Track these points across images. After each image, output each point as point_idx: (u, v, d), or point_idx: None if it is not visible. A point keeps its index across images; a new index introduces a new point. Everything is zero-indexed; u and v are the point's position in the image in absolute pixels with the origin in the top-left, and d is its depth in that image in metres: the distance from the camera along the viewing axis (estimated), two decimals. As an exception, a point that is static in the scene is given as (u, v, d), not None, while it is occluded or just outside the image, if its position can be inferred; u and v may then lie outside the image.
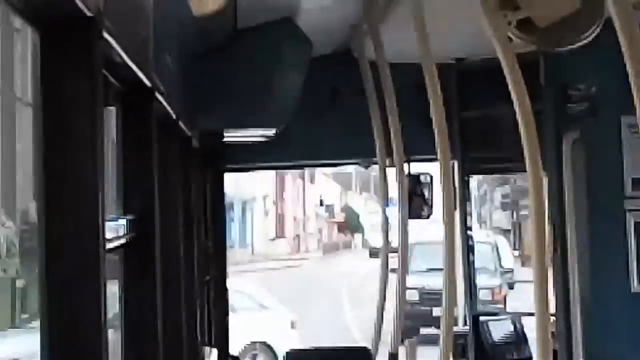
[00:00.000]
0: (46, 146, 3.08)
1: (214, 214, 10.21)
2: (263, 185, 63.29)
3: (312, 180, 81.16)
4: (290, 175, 70.19)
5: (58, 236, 3.07)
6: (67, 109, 3.09)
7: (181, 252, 6.26)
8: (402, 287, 8.65)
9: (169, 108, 5.62)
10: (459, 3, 5.64)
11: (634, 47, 4.19)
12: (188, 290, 6.92)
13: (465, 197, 10.82)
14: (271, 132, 8.89)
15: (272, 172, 54.60)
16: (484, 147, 10.47)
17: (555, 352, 6.71)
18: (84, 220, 3.10)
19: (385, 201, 10.00)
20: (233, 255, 58.99)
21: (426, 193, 9.81)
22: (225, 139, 9.43)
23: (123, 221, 4.39)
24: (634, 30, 4.26)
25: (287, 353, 9.10)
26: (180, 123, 6.49)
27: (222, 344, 9.81)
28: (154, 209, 4.74)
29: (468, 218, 10.78)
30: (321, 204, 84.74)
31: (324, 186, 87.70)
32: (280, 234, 66.44)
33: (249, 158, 10.39)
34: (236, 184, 57.45)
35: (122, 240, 4.33)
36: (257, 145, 9.51)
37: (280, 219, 67.58)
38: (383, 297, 9.31)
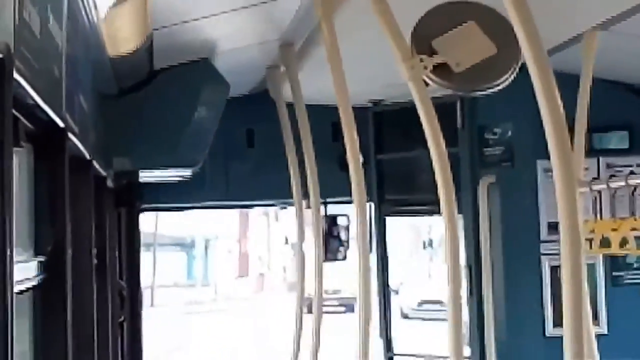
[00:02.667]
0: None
1: (129, 254, 10.16)
2: (226, 224, 63.11)
3: (276, 218, 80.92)
4: (253, 213, 69.97)
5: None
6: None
7: (94, 293, 6.21)
8: (317, 329, 8.63)
9: (82, 148, 5.58)
10: (375, 47, 5.65)
11: (548, 93, 4.22)
12: (101, 332, 6.86)
13: (382, 238, 10.84)
14: (187, 172, 8.87)
15: (236, 211, 54.26)
16: (400, 189, 10.52)
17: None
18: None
19: (301, 243, 9.99)
20: (196, 294, 59.15)
21: (343, 235, 9.82)
22: (141, 179, 9.40)
23: (33, 263, 4.35)
24: (548, 75, 4.29)
25: None
26: (94, 163, 6.45)
27: None
28: (65, 249, 4.70)
29: (384, 260, 10.81)
30: (286, 242, 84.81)
31: (289, 224, 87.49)
32: (243, 272, 66.24)
33: (165, 198, 10.37)
34: (198, 222, 57.48)
35: (33, 282, 4.29)
36: (174, 185, 9.49)
37: (243, 258, 67.34)
38: (298, 343, 9.28)
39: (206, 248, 63.32)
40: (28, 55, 3.53)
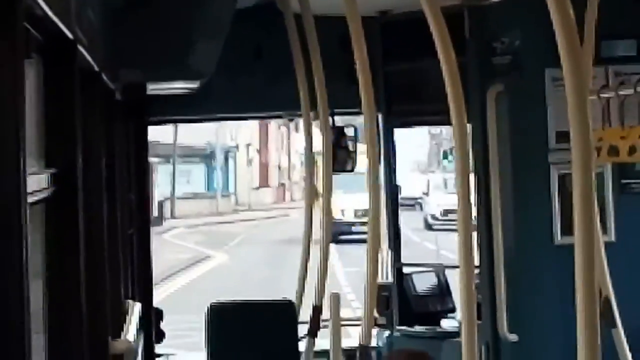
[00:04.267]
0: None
1: (138, 166, 10.19)
2: (246, 134, 63.00)
3: (296, 129, 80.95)
4: (274, 124, 69.61)
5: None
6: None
7: (104, 205, 6.25)
8: (327, 240, 8.68)
9: (91, 60, 5.59)
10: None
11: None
12: (111, 244, 6.91)
13: (390, 149, 10.86)
14: (194, 84, 8.87)
15: (256, 122, 54.04)
16: (408, 100, 10.52)
17: (478, 304, 6.75)
18: (5, 174, 3.08)
19: (309, 154, 10.03)
20: (216, 204, 59.26)
21: (350, 146, 9.83)
22: (149, 92, 9.40)
23: (45, 175, 4.37)
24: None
25: (210, 305, 9.05)
26: (103, 76, 6.47)
27: (145, 297, 9.80)
28: (76, 162, 4.72)
29: (392, 170, 10.84)
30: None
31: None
32: (264, 183, 66.18)
33: (173, 110, 10.39)
34: (217, 132, 57.43)
35: (45, 194, 4.31)
36: (182, 97, 9.49)
37: (264, 168, 67.24)
38: (307, 252, 9.33)
39: (226, 159, 63.20)
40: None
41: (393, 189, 10.89)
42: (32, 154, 4.32)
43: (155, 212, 51.18)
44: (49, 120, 4.61)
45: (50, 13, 3.84)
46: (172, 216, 53.88)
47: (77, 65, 4.87)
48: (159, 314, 10.14)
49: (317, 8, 8.31)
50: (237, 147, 63.84)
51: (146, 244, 10.20)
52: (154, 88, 9.24)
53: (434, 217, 47.65)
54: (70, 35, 4.54)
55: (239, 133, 61.51)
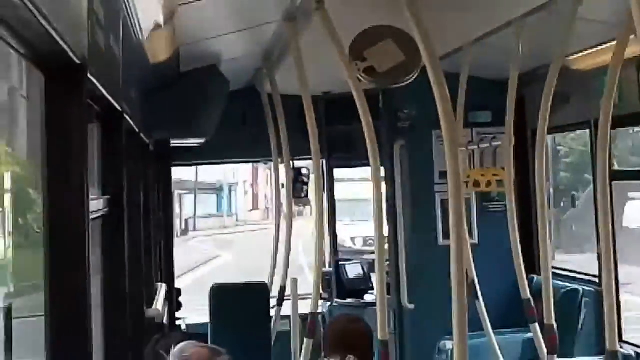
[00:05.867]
0: (50, 148, 3.07)
1: (165, 195, 10.16)
2: (243, 173, 63.41)
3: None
4: (262, 166, 69.98)
5: (58, 211, 3.05)
6: (65, 126, 3.09)
7: (142, 220, 6.22)
8: (288, 242, 8.66)
9: (133, 124, 5.57)
10: (326, 56, 5.62)
11: (439, 86, 4.22)
12: (147, 247, 6.87)
13: (331, 182, 10.90)
14: (202, 140, 8.87)
15: (249, 165, 54.49)
16: (343, 150, 10.53)
17: (388, 285, 6.74)
18: (75, 199, 3.08)
19: (277, 187, 10.06)
20: (224, 221, 60.15)
21: (305, 180, 9.81)
22: (172, 144, 9.39)
23: (102, 200, 4.35)
24: (439, 75, 4.28)
25: (212, 286, 9.01)
26: (141, 134, 6.44)
27: (169, 281, 9.76)
28: (122, 191, 4.71)
29: (333, 199, 10.87)
30: (282, 186, 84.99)
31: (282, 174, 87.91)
32: (255, 207, 66.44)
33: (189, 157, 10.36)
34: (224, 173, 58.08)
35: (101, 213, 4.29)
36: (194, 148, 9.47)
37: (255, 197, 67.44)
38: (275, 251, 9.32)
39: (230, 190, 63.62)
40: (97, 61, 3.52)
41: (334, 209, 10.91)
42: (93, 185, 4.31)
43: (183, 226, 51.72)
44: (105, 164, 4.59)
45: (105, 93, 3.82)
46: (194, 229, 54.21)
47: (124, 128, 4.86)
48: (178, 292, 10.09)
49: (282, 90, 8.31)
50: (237, 182, 64.14)
51: (170, 247, 10.16)
52: (176, 142, 9.23)
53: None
54: (119, 108, 4.53)
55: (239, 173, 61.87)
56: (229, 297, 8.87)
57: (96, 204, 4.03)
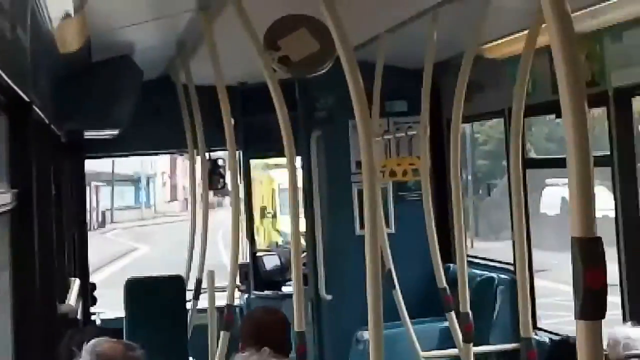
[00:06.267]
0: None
1: (78, 187, 10.05)
2: (161, 164, 63.01)
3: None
4: (180, 157, 69.70)
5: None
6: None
7: (53, 214, 6.12)
8: (204, 232, 8.62)
9: (43, 116, 5.47)
10: (241, 46, 5.60)
11: (353, 75, 4.21)
12: (59, 240, 6.77)
13: (247, 174, 10.88)
14: (116, 131, 8.76)
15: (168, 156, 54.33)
16: (260, 141, 10.49)
17: (305, 275, 6.73)
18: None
19: (193, 178, 9.99)
20: (142, 212, 59.67)
21: (222, 172, 9.78)
22: (85, 136, 9.27)
23: (9, 193, 4.26)
24: (353, 64, 4.26)
25: (127, 280, 8.92)
26: (52, 126, 6.33)
27: (83, 276, 9.63)
28: (32, 184, 4.62)
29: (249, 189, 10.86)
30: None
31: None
32: (173, 198, 66.13)
33: (103, 149, 10.24)
34: (142, 164, 57.71)
35: (9, 207, 4.20)
36: (109, 140, 9.35)
37: (173, 188, 67.05)
38: (192, 239, 9.27)
39: (148, 182, 63.36)
40: (2, 52, 3.43)
41: (250, 200, 10.91)
42: (0, 179, 4.22)
43: (100, 219, 51.38)
44: (12, 156, 4.49)
45: (11, 83, 3.73)
46: (112, 221, 53.93)
47: (33, 119, 4.76)
48: (93, 286, 9.97)
49: (198, 80, 8.25)
50: (155, 174, 63.87)
51: (84, 240, 10.04)
52: (89, 134, 9.10)
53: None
54: (26, 99, 4.44)
55: (157, 164, 61.57)
56: (144, 291, 8.80)
57: (3, 198, 3.94)
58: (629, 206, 6.43)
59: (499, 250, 9.68)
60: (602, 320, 2.48)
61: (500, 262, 8.76)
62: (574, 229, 2.46)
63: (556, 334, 7.52)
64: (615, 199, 6.45)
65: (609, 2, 5.79)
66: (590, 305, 2.44)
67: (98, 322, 9.60)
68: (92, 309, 9.82)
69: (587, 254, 2.43)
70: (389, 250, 7.87)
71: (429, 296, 7.97)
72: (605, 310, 2.46)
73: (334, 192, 9.32)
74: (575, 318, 2.47)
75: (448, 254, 8.15)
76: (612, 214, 6.48)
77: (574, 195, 2.49)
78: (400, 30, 7.18)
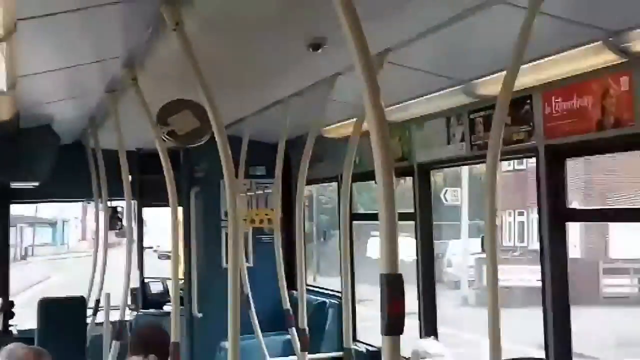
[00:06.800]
0: None
1: (3, 226, 9.71)
2: (74, 210, 60.98)
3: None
4: (89, 205, 67.22)
5: None
6: None
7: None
8: (103, 264, 8.41)
9: None
10: (139, 120, 5.54)
11: (223, 147, 4.19)
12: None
13: (140, 218, 10.71)
14: (36, 183, 8.53)
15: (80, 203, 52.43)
16: (151, 194, 10.33)
17: (182, 297, 6.66)
18: None
19: (97, 221, 9.76)
20: (57, 249, 57.70)
21: (120, 217, 9.60)
22: (12, 186, 8.99)
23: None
24: (224, 138, 4.25)
25: (39, 300, 8.59)
26: None
27: (4, 295, 9.27)
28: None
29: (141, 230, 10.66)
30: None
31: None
32: (83, 237, 63.96)
33: (27, 196, 9.90)
34: (60, 210, 55.80)
35: None
36: (31, 189, 9.07)
37: (84, 229, 64.80)
38: (94, 268, 9.01)
39: (63, 224, 61.33)
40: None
41: (141, 239, 10.72)
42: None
43: (23, 253, 49.55)
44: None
45: None
46: (32, 255, 52.16)
47: None
48: (11, 304, 9.56)
49: (104, 145, 8.11)
50: (69, 218, 62.10)
51: (6, 268, 9.67)
52: (15, 184, 8.83)
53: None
54: None
55: (71, 209, 59.86)
56: (53, 308, 8.49)
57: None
58: (427, 250, 6.60)
59: (334, 282, 9.77)
60: (401, 336, 2.53)
61: (332, 290, 8.85)
62: (382, 267, 2.49)
63: (372, 345, 7.62)
64: (416, 246, 6.61)
65: (414, 101, 5.99)
66: (392, 324, 2.48)
67: (15, 332, 9.21)
68: (11, 322, 9.43)
69: (391, 286, 2.45)
70: (247, 279, 7.85)
71: (276, 315, 7.96)
72: (403, 328, 2.49)
73: (207, 234, 9.26)
74: (381, 334, 2.50)
75: (292, 283, 8.18)
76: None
77: (383, 241, 2.51)
78: (261, 114, 7.25)
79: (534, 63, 4.28)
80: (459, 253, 25.62)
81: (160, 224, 11.39)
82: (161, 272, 11.08)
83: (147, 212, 11.02)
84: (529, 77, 4.39)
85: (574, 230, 29.22)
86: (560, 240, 4.69)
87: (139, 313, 10.18)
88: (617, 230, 26.04)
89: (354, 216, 7.68)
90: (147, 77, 5.31)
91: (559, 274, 4.67)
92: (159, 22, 4.04)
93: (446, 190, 25.32)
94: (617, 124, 4.10)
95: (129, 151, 6.72)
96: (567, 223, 4.71)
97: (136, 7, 4.09)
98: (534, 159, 4.87)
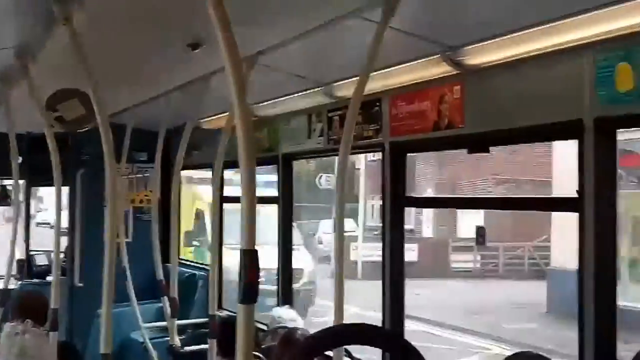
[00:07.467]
0: None
1: None
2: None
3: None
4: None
5: None
6: None
7: None
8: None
9: None
10: (31, 105, 5.28)
11: (105, 134, 4.01)
12: None
13: (28, 196, 10.25)
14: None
15: None
16: (40, 174, 9.57)
17: (64, 268, 6.41)
18: None
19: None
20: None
21: (8, 193, 9.16)
22: None
23: None
24: (106, 126, 4.07)
25: None
26: None
27: None
28: None
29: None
30: None
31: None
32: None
33: None
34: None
35: None
36: None
37: None
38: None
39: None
40: None
41: (28, 215, 10.26)
42: None
43: None
44: None
45: None
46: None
47: None
48: None
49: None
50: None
51: None
52: None
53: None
54: None
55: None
56: None
57: None
58: (287, 230, 6.66)
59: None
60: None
61: (202, 264, 8.78)
62: (242, 243, 2.44)
63: (235, 312, 7.58)
64: (278, 225, 6.64)
65: (281, 99, 6.03)
66: (247, 293, 2.46)
67: None
68: None
69: (248, 259, 2.43)
70: (125, 252, 7.67)
71: (151, 285, 7.82)
72: (257, 297, 2.45)
73: (91, 211, 8.96)
74: (237, 302, 2.46)
75: (166, 257, 8.05)
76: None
77: (244, 221, 2.46)
78: (145, 105, 7.11)
79: (384, 71, 4.41)
80: (330, 231, 26.05)
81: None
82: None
83: (46, 191, 10.58)
84: (379, 82, 4.50)
85: (429, 214, 30.41)
86: (398, 222, 4.83)
87: (23, 282, 9.76)
88: (465, 214, 27.34)
89: (225, 199, 7.64)
90: (39, 67, 5.08)
91: (397, 250, 4.82)
92: (51, 17, 3.88)
93: (321, 176, 25.57)
94: (450, 126, 4.27)
95: (19, 134, 6.41)
96: (405, 208, 4.87)
97: (30, 1, 3.93)
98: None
